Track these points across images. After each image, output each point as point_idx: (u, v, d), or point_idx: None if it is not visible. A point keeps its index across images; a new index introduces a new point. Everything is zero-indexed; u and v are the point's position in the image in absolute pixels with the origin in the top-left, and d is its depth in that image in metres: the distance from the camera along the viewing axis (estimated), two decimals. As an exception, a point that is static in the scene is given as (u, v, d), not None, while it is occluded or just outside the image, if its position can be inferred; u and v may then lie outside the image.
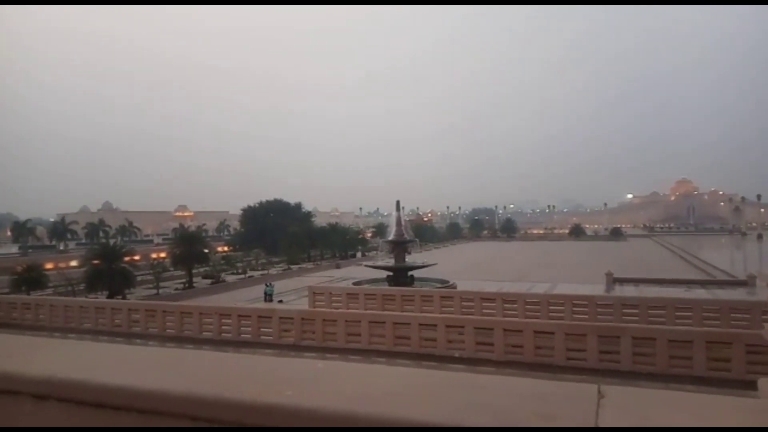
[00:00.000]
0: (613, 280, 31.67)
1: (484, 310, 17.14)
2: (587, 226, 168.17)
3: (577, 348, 12.25)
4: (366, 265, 35.00)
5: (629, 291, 26.36)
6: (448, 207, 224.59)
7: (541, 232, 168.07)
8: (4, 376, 1.93)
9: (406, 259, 31.77)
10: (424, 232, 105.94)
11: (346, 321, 14.24)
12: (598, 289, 27.83)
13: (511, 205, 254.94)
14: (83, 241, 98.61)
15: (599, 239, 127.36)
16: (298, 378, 1.78)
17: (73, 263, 64.43)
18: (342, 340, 14.05)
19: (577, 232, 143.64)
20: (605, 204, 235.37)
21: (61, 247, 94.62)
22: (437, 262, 34.51)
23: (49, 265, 59.04)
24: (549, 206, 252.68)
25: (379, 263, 33.72)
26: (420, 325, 13.67)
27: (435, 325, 13.56)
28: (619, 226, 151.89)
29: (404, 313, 15.41)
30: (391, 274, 29.79)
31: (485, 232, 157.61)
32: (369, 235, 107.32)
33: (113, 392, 1.73)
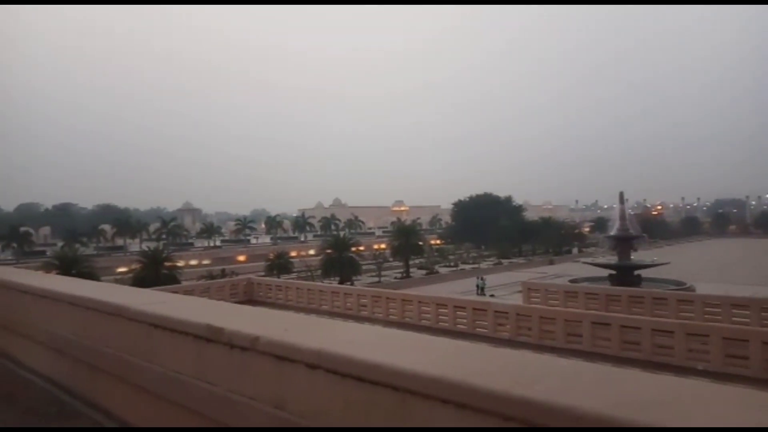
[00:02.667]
0: None
1: (734, 318, 14.63)
2: None
3: None
4: (584, 262, 32.77)
5: None
6: (683, 198, 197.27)
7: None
8: (285, 346, 2.28)
9: (632, 257, 28.87)
10: (653, 227, 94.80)
11: (566, 320, 13.54)
12: None
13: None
14: (319, 233, 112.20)
15: None
16: (546, 374, 1.73)
17: (311, 252, 74.16)
18: (561, 340, 13.41)
19: None
20: None
21: (302, 238, 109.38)
22: (669, 261, 30.54)
23: (293, 253, 68.98)
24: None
25: (601, 261, 31.26)
26: (653, 330, 12.28)
27: (672, 332, 12.02)
28: None
29: (634, 316, 13.98)
30: (614, 272, 27.40)
31: (733, 227, 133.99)
32: (586, 229, 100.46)
33: (373, 368, 1.90)
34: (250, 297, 22.78)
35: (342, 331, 2.51)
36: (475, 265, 64.38)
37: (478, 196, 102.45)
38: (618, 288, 20.10)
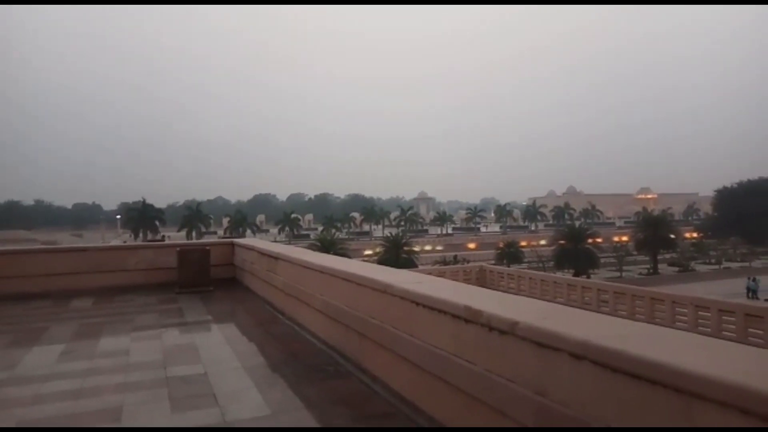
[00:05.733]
0: None
1: None
2: None
3: None
4: None
5: None
6: None
7: None
8: (547, 333, 2.29)
9: None
10: None
11: None
12: None
13: None
14: (550, 222, 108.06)
15: None
16: None
17: (542, 242, 71.88)
18: None
19: None
20: None
21: (533, 228, 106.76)
22: None
23: (522, 243, 67.84)
24: None
25: None
26: None
27: None
28: None
29: None
30: None
31: None
32: None
33: (651, 366, 1.78)
34: (482, 284, 23.19)
35: (608, 324, 2.40)
36: (745, 264, 54.10)
37: (750, 182, 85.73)
38: None
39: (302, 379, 4.50)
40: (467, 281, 22.94)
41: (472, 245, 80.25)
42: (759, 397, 1.46)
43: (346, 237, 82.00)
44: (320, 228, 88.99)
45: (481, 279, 23.59)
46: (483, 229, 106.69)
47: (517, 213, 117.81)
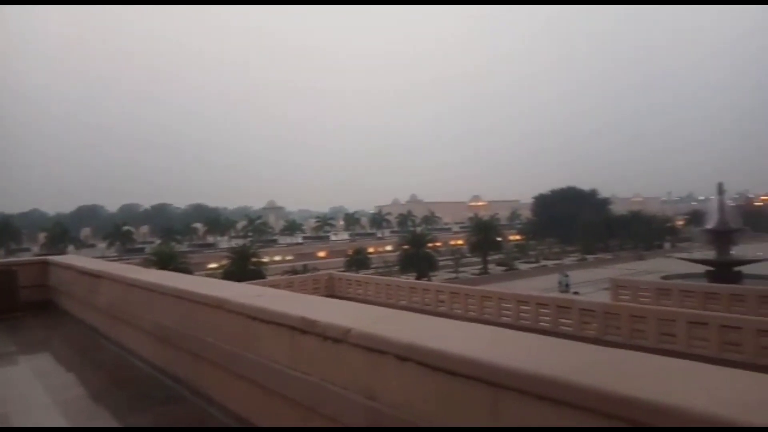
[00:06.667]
0: None
1: None
2: None
3: None
4: (679, 258, 30.65)
5: None
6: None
7: None
8: (376, 338, 2.35)
9: (732, 252, 26.69)
10: (757, 220, 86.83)
11: (659, 319, 12.77)
12: None
13: None
14: (395, 229, 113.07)
15: None
16: (646, 372, 1.66)
17: (388, 248, 75.00)
18: (653, 339, 12.66)
19: None
20: None
21: (379, 235, 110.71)
22: (777, 257, 27.87)
23: (370, 249, 70.14)
24: None
25: (696, 256, 29.15)
26: (758, 330, 11.31)
27: (780, 333, 11.02)
28: None
29: (736, 316, 12.93)
30: (712, 269, 25.45)
31: None
32: (680, 223, 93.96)
33: (466, 363, 1.92)
34: (331, 292, 23.39)
35: (432, 325, 2.54)
36: (558, 262, 62.14)
37: (561, 190, 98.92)
38: (717, 285, 18.66)
39: (129, 409, 4.09)
40: (317, 290, 22.95)
41: (322, 253, 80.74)
42: (550, 383, 1.65)
43: (188, 250, 76.89)
44: (158, 241, 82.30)
45: (330, 287, 23.78)
46: (333, 238, 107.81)
47: (364, 221, 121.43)
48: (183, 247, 78.88)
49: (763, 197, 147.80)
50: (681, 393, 1.44)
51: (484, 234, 58.99)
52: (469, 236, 63.69)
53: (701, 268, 26.21)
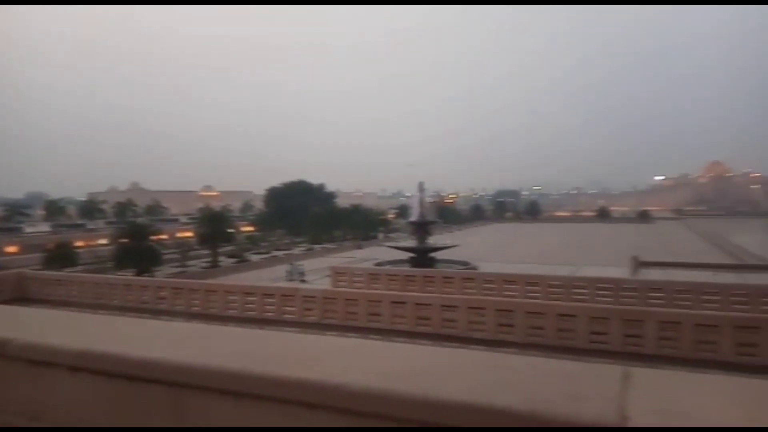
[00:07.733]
0: (638, 264, 31.19)
1: (506, 292, 17.07)
2: (615, 208, 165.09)
3: (600, 331, 12.14)
4: (388, 246, 35.09)
5: (655, 275, 25.92)
6: (472, 189, 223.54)
7: (567, 214, 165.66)
8: (41, 349, 2.00)
9: (429, 241, 31.77)
10: (447, 214, 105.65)
11: (368, 301, 14.35)
12: (622, 273, 27.43)
13: (537, 188, 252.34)
14: (112, 220, 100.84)
15: (626, 222, 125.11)
16: (324, 355, 1.80)
17: (103, 241, 66.24)
18: (363, 320, 14.18)
19: (603, 215, 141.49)
20: (634, 186, 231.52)
21: (91, 226, 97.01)
22: (459, 244, 34.39)
23: (79, 243, 60.71)
24: (575, 188, 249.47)
25: (401, 244, 33.77)
26: (441, 306, 13.71)
27: (456, 306, 13.57)
28: (647, 208, 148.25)
29: (425, 294, 15.45)
30: (413, 255, 29.83)
31: (509, 214, 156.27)
32: (391, 216, 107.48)
33: (145, 366, 1.77)
34: (22, 294, 19.50)
35: (114, 326, 2.29)
36: (288, 252, 64.32)
37: (291, 183, 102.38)
38: (414, 269, 21.94)
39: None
40: (1, 293, 18.88)
41: (12, 248, 66.49)
42: (230, 377, 1.64)
43: None
44: None
45: (21, 288, 19.79)
46: (28, 229, 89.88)
47: (72, 209, 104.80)
48: None
49: (452, 195, 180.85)
50: (336, 369, 1.60)
51: (214, 225, 57.11)
52: (199, 228, 60.84)
53: (406, 255, 30.48)
